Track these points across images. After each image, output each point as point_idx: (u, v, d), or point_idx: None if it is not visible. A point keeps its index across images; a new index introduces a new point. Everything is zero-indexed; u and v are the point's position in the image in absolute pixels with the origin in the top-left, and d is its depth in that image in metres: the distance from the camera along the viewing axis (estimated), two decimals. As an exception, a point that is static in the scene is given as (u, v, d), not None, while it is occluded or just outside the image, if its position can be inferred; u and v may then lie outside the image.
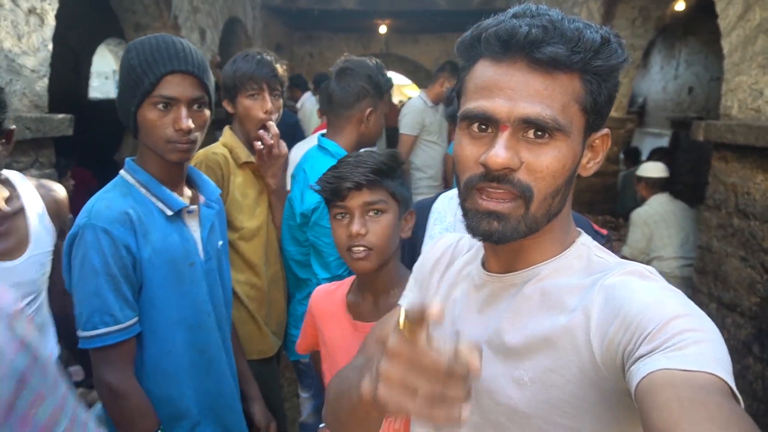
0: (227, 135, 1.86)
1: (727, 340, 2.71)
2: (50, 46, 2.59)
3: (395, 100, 13.63)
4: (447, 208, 1.62)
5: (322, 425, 1.31)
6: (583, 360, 0.66)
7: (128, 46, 1.23)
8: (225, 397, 1.38)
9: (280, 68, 1.82)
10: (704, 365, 0.53)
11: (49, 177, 2.61)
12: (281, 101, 1.85)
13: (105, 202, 1.21)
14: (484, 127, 0.70)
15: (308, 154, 1.89)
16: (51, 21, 2.58)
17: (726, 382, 0.53)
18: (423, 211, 1.46)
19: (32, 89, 2.50)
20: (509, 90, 0.67)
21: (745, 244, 2.65)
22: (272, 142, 1.77)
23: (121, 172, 1.30)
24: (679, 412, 0.50)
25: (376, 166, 1.14)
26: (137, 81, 1.18)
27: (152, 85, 1.17)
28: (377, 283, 1.20)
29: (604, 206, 5.13)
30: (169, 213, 1.26)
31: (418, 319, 0.51)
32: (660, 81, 8.06)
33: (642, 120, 8.54)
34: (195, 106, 1.22)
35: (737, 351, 2.70)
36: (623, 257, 0.76)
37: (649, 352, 0.56)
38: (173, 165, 1.27)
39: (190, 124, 1.19)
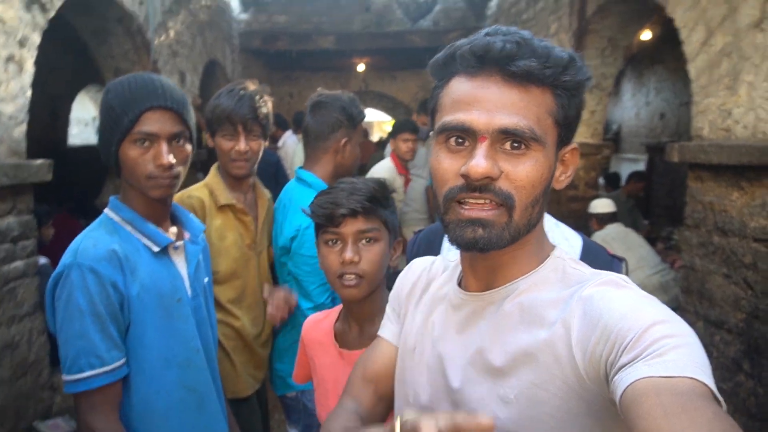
0: (211, 175, 1.83)
1: (716, 358, 2.72)
2: (29, 93, 2.59)
3: (375, 136, 13.85)
4: None
5: None
6: (567, 373, 0.66)
7: (107, 86, 1.23)
8: None
9: (264, 107, 1.76)
10: (685, 370, 0.54)
11: (28, 224, 2.57)
12: (260, 142, 1.79)
13: (91, 240, 1.20)
14: (461, 140, 0.71)
15: (287, 188, 1.92)
16: (30, 68, 2.59)
17: (707, 386, 0.54)
18: (435, 236, 1.44)
19: (10, 136, 2.48)
20: (486, 102, 0.69)
21: (727, 260, 2.68)
22: (282, 314, 1.73)
23: (106, 210, 1.29)
24: (662, 420, 0.51)
25: (370, 193, 1.13)
26: (116, 120, 1.18)
27: (131, 123, 1.17)
28: (363, 312, 1.20)
29: (586, 231, 5.18)
30: (156, 249, 1.25)
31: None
32: (632, 108, 8.30)
33: (618, 146, 8.74)
34: (176, 141, 1.22)
35: (727, 368, 2.70)
36: None
37: (630, 361, 0.57)
38: (157, 201, 1.27)
39: (171, 159, 1.19)
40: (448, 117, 0.71)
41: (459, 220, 0.71)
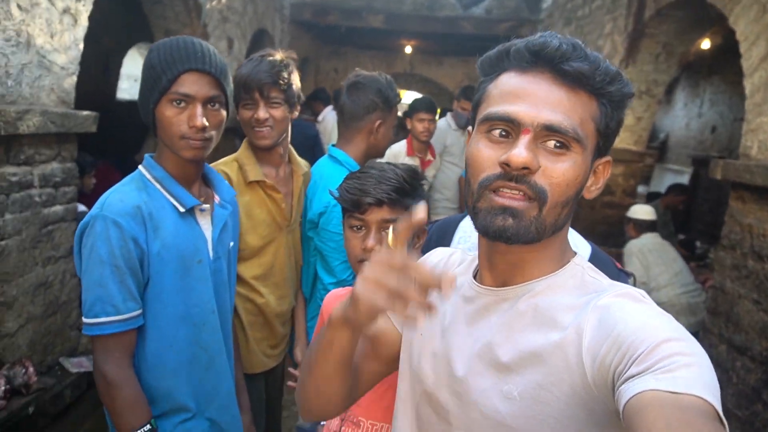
0: (242, 148, 1.78)
1: (735, 384, 2.65)
2: (81, 46, 2.67)
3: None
4: (471, 226, 1.61)
5: (322, 423, 1.31)
6: (574, 378, 0.66)
7: (151, 47, 1.27)
8: (222, 395, 1.39)
9: (285, 72, 1.67)
10: (692, 388, 0.54)
11: (71, 171, 2.67)
12: (284, 110, 1.69)
13: (119, 195, 1.24)
14: (504, 133, 0.72)
15: (319, 164, 1.94)
16: (84, 21, 2.66)
17: (713, 406, 0.54)
18: (449, 227, 1.45)
19: (60, 85, 2.57)
20: (534, 97, 0.70)
21: (759, 286, 2.60)
22: None
23: (140, 167, 1.33)
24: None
25: (398, 184, 1.14)
26: (156, 79, 1.22)
27: (170, 82, 1.21)
28: None
29: (618, 239, 5.07)
30: (182, 210, 1.28)
31: (403, 229, 0.64)
32: (683, 118, 8.01)
33: (663, 156, 8.47)
34: (210, 105, 1.25)
35: (746, 396, 2.64)
36: None
37: (639, 373, 0.57)
38: (188, 162, 1.30)
39: (205, 121, 1.22)
40: (494, 108, 0.72)
41: (491, 207, 0.71)
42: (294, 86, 1.72)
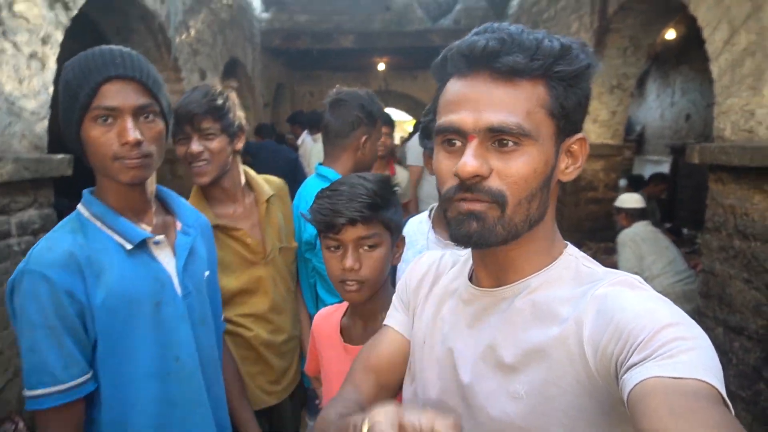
0: (192, 194, 1.64)
1: (735, 365, 2.65)
2: (51, 89, 2.65)
3: (396, 137, 13.79)
4: (417, 231, 1.62)
5: None
6: (578, 369, 0.66)
7: (65, 64, 1.08)
8: None
9: (219, 99, 1.54)
10: (695, 372, 0.54)
11: (48, 217, 2.63)
12: (222, 140, 1.55)
13: (49, 242, 1.05)
14: (454, 141, 0.71)
15: (307, 183, 1.91)
16: (52, 65, 2.65)
17: (716, 389, 0.54)
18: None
19: (32, 131, 2.54)
20: (473, 101, 0.69)
21: (748, 265, 2.61)
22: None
23: (78, 205, 1.14)
24: (669, 418, 0.50)
25: (371, 199, 1.10)
26: (73, 96, 1.03)
27: (89, 97, 1.02)
28: (366, 310, 1.20)
29: (605, 233, 5.10)
30: (129, 247, 1.09)
31: None
32: (657, 109, 8.14)
33: (641, 147, 8.59)
34: (143, 116, 1.07)
35: (746, 376, 2.64)
36: None
37: (640, 360, 0.57)
38: (131, 189, 1.12)
39: (138, 135, 1.04)
40: (441, 119, 0.72)
41: (458, 214, 0.71)
42: (231, 114, 1.57)
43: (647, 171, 7.51)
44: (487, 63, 0.68)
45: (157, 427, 1.11)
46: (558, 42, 0.69)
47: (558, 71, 0.68)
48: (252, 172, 1.77)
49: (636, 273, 3.46)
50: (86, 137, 1.05)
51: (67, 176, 2.68)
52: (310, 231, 1.74)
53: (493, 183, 0.69)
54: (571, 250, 0.78)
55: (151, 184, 1.19)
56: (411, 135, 7.40)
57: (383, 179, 1.19)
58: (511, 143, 0.68)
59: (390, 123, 3.75)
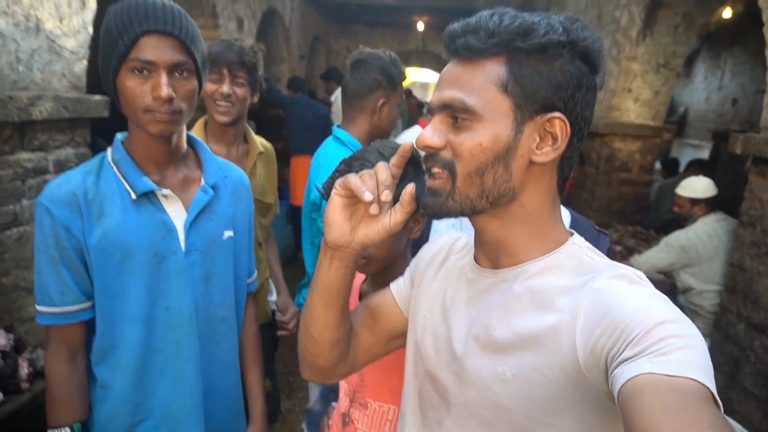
0: (196, 128, 1.80)
1: (753, 363, 2.62)
2: (90, 30, 2.66)
3: (430, 96, 13.56)
4: None
5: (333, 403, 1.32)
6: (566, 361, 0.67)
7: (108, 9, 1.09)
8: (177, 406, 1.22)
9: (252, 57, 1.75)
10: (687, 371, 0.54)
11: (84, 156, 2.69)
12: (246, 89, 1.78)
13: (62, 179, 1.13)
14: (431, 117, 0.78)
15: (324, 145, 1.93)
16: (92, 5, 2.65)
17: (708, 388, 0.54)
18: None
19: (71, 70, 2.57)
20: (441, 81, 0.76)
21: (779, 263, 2.55)
22: (291, 328, 1.88)
23: (108, 147, 1.21)
24: (661, 416, 0.50)
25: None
26: (113, 44, 1.05)
27: (127, 48, 1.04)
28: (384, 279, 1.21)
29: (635, 217, 5.00)
30: (133, 196, 1.13)
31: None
32: (703, 91, 7.82)
33: (682, 130, 8.30)
34: (178, 73, 1.09)
35: (764, 375, 2.61)
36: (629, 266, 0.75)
37: (633, 356, 0.57)
38: (157, 140, 1.15)
39: (171, 92, 1.06)
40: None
41: (425, 187, 0.78)
42: (259, 71, 1.80)
43: (686, 155, 7.28)
44: (448, 46, 0.75)
45: (137, 366, 1.19)
46: (523, 20, 0.70)
47: (516, 47, 0.69)
48: (250, 129, 1.97)
49: (656, 273, 3.22)
50: (122, 86, 1.08)
51: (105, 118, 2.72)
52: (316, 192, 1.77)
53: (446, 154, 0.74)
54: (577, 239, 0.78)
55: (180, 139, 1.21)
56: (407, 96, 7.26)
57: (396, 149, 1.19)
58: (461, 119, 0.72)
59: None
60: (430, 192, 0.76)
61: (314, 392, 1.96)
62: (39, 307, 1.14)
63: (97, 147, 3.14)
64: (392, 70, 1.86)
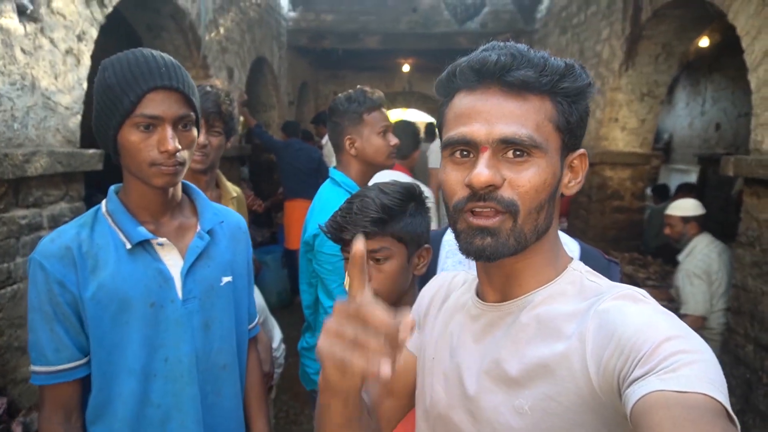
0: None
1: (765, 384, 2.57)
2: (85, 85, 2.69)
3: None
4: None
5: None
6: (581, 386, 0.66)
7: (103, 64, 1.10)
8: None
9: (228, 105, 1.79)
10: (697, 386, 0.54)
11: (79, 210, 2.67)
12: (222, 139, 1.84)
13: (55, 234, 1.13)
14: (465, 152, 0.73)
15: (322, 187, 1.98)
16: (87, 61, 2.69)
17: (720, 403, 0.53)
18: (434, 243, 1.45)
19: (65, 126, 2.58)
20: (486, 114, 0.71)
21: (783, 283, 2.54)
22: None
23: (103, 200, 1.21)
24: None
25: (377, 214, 1.13)
26: (116, 101, 1.06)
27: (133, 105, 1.05)
28: None
29: (630, 243, 5.02)
30: (128, 246, 1.12)
31: (353, 271, 0.62)
32: (686, 117, 7.99)
33: (668, 156, 8.44)
34: (181, 126, 1.11)
35: (778, 396, 2.56)
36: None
37: (643, 374, 0.57)
38: (156, 192, 1.15)
39: (177, 144, 1.08)
40: (452, 132, 0.74)
41: (469, 228, 0.73)
42: (234, 120, 1.85)
43: (674, 180, 7.38)
44: (499, 77, 0.70)
45: (134, 421, 1.14)
46: (562, 61, 0.72)
47: (563, 88, 0.71)
48: (221, 174, 2.05)
49: (708, 313, 3.15)
50: (124, 141, 1.09)
51: (99, 171, 2.72)
52: (309, 232, 1.79)
53: (506, 193, 0.71)
54: (576, 264, 0.79)
55: (176, 187, 1.21)
56: (428, 137, 7.39)
57: (404, 190, 1.20)
58: (522, 154, 0.71)
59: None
60: (485, 232, 0.71)
61: None
62: (34, 367, 1.11)
63: (94, 201, 3.12)
64: (348, 105, 1.88)
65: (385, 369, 0.57)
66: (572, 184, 0.77)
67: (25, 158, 2.18)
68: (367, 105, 1.90)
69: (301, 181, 5.11)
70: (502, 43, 0.74)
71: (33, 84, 2.32)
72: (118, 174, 1.18)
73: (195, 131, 1.15)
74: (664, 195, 5.99)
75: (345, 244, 1.17)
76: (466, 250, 0.73)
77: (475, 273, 0.91)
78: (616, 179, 4.98)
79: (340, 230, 1.15)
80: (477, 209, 0.71)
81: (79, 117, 2.67)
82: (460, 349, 0.82)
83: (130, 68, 1.06)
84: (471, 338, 0.81)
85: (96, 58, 2.80)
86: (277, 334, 2.40)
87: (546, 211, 0.73)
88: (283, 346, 2.47)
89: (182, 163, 1.12)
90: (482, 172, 0.69)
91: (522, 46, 0.72)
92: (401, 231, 1.16)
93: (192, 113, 1.13)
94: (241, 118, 5.41)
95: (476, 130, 0.71)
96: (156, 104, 1.06)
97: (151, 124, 1.07)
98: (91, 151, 2.66)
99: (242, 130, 5.57)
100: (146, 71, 1.05)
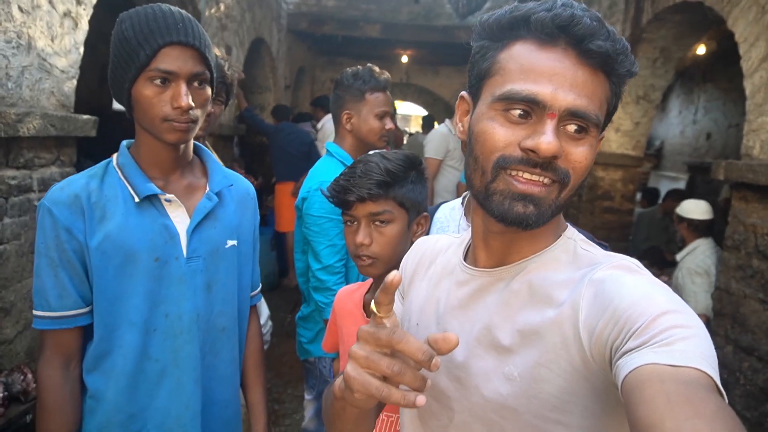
0: None
1: (743, 385, 2.63)
2: (81, 50, 2.65)
3: (411, 130, 13.80)
4: (449, 218, 1.65)
5: None
6: (572, 354, 0.65)
7: (121, 17, 1.09)
8: (173, 417, 1.17)
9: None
10: (691, 361, 0.53)
11: (69, 175, 2.64)
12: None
13: (65, 182, 1.14)
14: (524, 112, 0.68)
15: (318, 161, 2.04)
16: (84, 26, 2.64)
17: (712, 378, 0.54)
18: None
19: (60, 89, 2.54)
20: (560, 78, 0.66)
21: (765, 286, 2.59)
22: None
23: (114, 153, 1.21)
24: (665, 407, 0.50)
25: (381, 177, 1.15)
26: (131, 54, 1.05)
27: (148, 58, 1.04)
28: None
29: (618, 244, 5.07)
30: (137, 199, 1.12)
31: (384, 297, 0.60)
32: (678, 125, 8.07)
33: (659, 163, 8.53)
34: (196, 83, 1.10)
35: (754, 397, 2.61)
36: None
37: (636, 346, 0.56)
38: (168, 148, 1.15)
39: (191, 101, 1.07)
40: (517, 86, 0.67)
41: (510, 191, 0.68)
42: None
43: (663, 187, 7.45)
44: (582, 42, 0.65)
45: (132, 374, 1.14)
46: (623, 41, 0.68)
47: (623, 70, 0.68)
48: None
49: (707, 316, 3.14)
50: (138, 95, 1.08)
51: (92, 138, 2.68)
52: (300, 196, 1.86)
53: (562, 164, 0.68)
54: (570, 232, 0.78)
55: (188, 146, 1.22)
56: (426, 127, 7.39)
57: (406, 158, 1.22)
58: (582, 131, 0.68)
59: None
60: (530, 200, 0.68)
61: (309, 411, 1.91)
62: (36, 312, 1.12)
63: (83, 168, 3.09)
64: (352, 82, 1.94)
65: (421, 400, 0.56)
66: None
67: (18, 118, 2.15)
68: (371, 84, 1.93)
69: (292, 165, 5.09)
70: (580, 4, 0.68)
71: (29, 44, 2.28)
72: (110, 143, 1.18)
73: (209, 90, 1.14)
74: (653, 199, 6.06)
75: (347, 207, 1.18)
76: (503, 215, 0.69)
77: (456, 236, 0.90)
78: (608, 180, 5.02)
79: (344, 192, 1.16)
80: (529, 174, 0.67)
81: (74, 82, 2.63)
82: (447, 315, 0.80)
83: (147, 22, 1.05)
84: (459, 304, 0.79)
85: (91, 28, 2.76)
86: (265, 311, 2.40)
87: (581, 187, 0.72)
88: (270, 323, 2.48)
89: (194, 121, 1.11)
90: (551, 140, 0.65)
91: (599, 15, 0.67)
92: (403, 196, 1.18)
93: (207, 72, 1.12)
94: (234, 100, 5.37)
95: (549, 92, 0.65)
96: (171, 59, 1.06)
97: (166, 78, 1.07)
98: (85, 117, 2.63)
99: (236, 112, 5.53)
100: (163, 26, 1.05)
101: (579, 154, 0.68)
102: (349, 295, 1.32)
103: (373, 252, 1.16)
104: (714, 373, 0.54)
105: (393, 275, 0.59)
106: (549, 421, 0.67)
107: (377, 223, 1.18)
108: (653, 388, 0.51)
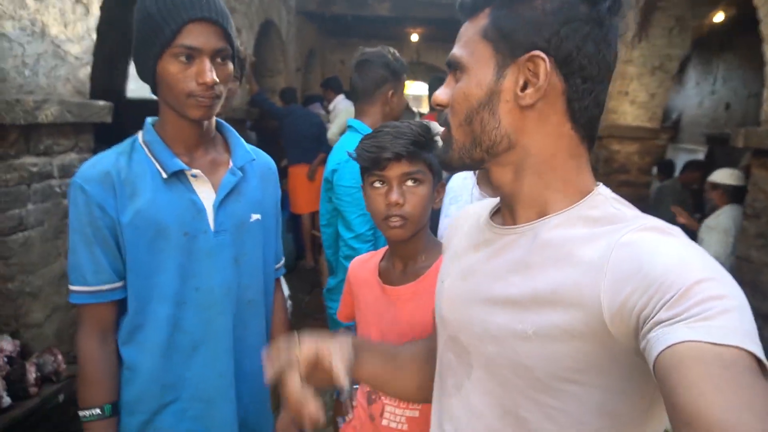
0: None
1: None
2: (94, 36, 2.67)
3: (423, 110, 13.79)
4: (462, 187, 1.65)
5: (355, 386, 1.32)
6: (589, 316, 0.63)
7: None
8: (209, 387, 1.21)
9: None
10: (733, 338, 0.49)
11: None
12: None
13: (95, 159, 1.16)
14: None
15: (341, 138, 2.05)
16: (96, 11, 2.66)
17: (755, 356, 0.50)
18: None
19: (75, 76, 2.57)
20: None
21: (786, 254, 2.56)
22: None
23: (139, 131, 1.24)
24: (712, 395, 0.47)
25: (414, 137, 1.14)
26: (156, 30, 1.06)
27: (173, 34, 1.05)
28: (407, 251, 1.23)
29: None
30: (164, 175, 1.15)
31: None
32: (696, 96, 7.91)
33: (676, 135, 8.39)
34: (219, 59, 1.11)
35: (775, 365, 2.60)
36: None
37: (669, 318, 0.53)
38: (191, 124, 1.17)
39: (215, 77, 1.09)
40: None
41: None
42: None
43: (680, 160, 7.34)
44: (462, 10, 0.77)
45: (165, 346, 1.19)
46: None
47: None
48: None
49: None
50: (163, 71, 1.10)
51: (108, 124, 2.72)
52: (327, 169, 1.91)
53: (448, 108, 0.77)
54: (602, 189, 0.74)
55: (211, 122, 1.24)
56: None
57: (425, 125, 1.21)
58: (458, 74, 0.76)
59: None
60: (441, 145, 0.81)
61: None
62: (72, 287, 1.15)
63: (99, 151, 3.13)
64: (395, 63, 2.02)
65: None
66: (528, 91, 0.70)
67: (36, 105, 2.18)
68: (405, 69, 2.08)
69: (304, 147, 5.09)
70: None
71: (43, 31, 2.30)
72: (125, 130, 1.20)
73: (230, 65, 1.16)
74: (669, 172, 5.97)
75: (380, 167, 1.15)
76: None
77: (492, 200, 0.91)
78: (624, 153, 4.96)
79: (380, 150, 1.13)
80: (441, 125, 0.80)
81: (89, 68, 2.66)
82: (471, 270, 0.81)
83: None
84: (483, 260, 0.79)
85: (105, 9, 2.77)
86: (285, 290, 2.44)
87: (480, 122, 0.72)
88: (289, 302, 2.52)
89: (218, 96, 1.13)
90: (436, 93, 0.78)
91: None
92: (431, 159, 1.18)
93: (229, 47, 1.13)
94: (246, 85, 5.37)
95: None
96: (195, 35, 1.07)
97: (190, 55, 1.08)
98: (101, 102, 2.66)
99: (248, 96, 5.53)
100: (187, 1, 1.06)
101: (453, 93, 0.77)
102: (363, 264, 1.34)
103: (406, 212, 1.15)
104: (758, 349, 0.50)
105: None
106: (564, 380, 0.66)
107: (409, 183, 1.16)
108: (694, 372, 0.48)
